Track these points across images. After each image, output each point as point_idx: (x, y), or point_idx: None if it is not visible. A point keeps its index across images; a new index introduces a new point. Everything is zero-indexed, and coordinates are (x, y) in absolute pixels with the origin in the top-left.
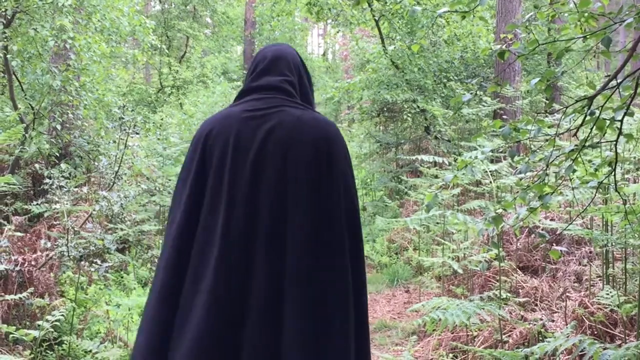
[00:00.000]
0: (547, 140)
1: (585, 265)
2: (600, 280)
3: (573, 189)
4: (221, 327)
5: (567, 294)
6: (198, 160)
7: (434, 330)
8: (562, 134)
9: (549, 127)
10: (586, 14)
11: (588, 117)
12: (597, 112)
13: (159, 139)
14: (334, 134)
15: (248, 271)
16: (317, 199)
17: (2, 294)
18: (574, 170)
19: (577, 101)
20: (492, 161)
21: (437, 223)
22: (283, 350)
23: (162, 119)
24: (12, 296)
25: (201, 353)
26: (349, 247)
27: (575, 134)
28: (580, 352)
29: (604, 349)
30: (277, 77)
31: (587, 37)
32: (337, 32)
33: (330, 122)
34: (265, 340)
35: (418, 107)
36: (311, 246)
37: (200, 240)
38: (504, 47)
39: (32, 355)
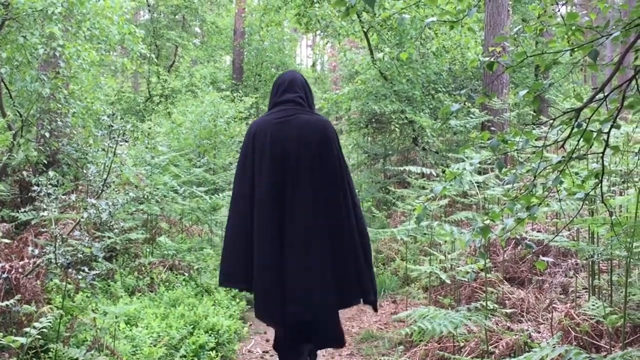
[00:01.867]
0: (534, 152)
1: (571, 277)
2: (586, 291)
3: (560, 200)
4: (277, 239)
5: (553, 305)
6: (251, 150)
7: (420, 340)
8: (550, 145)
9: (536, 139)
10: (573, 27)
11: (575, 129)
12: (585, 124)
13: (147, 147)
14: (328, 126)
15: (285, 204)
16: (323, 161)
17: None
18: (561, 182)
19: (564, 113)
20: (479, 173)
21: (425, 234)
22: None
23: (150, 128)
24: None
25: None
26: (347, 187)
27: (562, 146)
28: None
29: (590, 359)
30: (293, 94)
31: (575, 50)
32: (326, 43)
33: (326, 120)
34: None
35: (406, 118)
36: (322, 186)
37: (256, 192)
38: (492, 59)
39: None
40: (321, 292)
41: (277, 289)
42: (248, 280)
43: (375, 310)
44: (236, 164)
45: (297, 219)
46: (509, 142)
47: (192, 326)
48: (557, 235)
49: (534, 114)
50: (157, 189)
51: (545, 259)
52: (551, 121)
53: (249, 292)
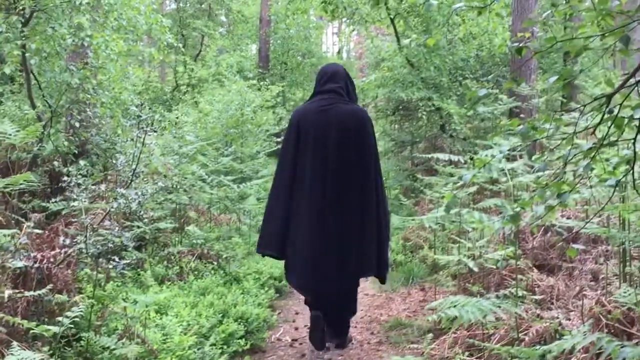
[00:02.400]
0: (563, 139)
1: (602, 264)
2: (616, 279)
3: (591, 187)
4: (315, 215)
5: (584, 292)
6: (295, 134)
7: (449, 328)
8: (580, 132)
9: (565, 126)
10: (603, 12)
11: (606, 115)
12: (616, 110)
13: (175, 137)
14: (365, 117)
15: (324, 184)
16: (357, 148)
17: (22, 290)
18: (592, 169)
19: (595, 99)
20: (508, 160)
21: (453, 221)
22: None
23: (177, 118)
24: (32, 293)
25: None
26: (377, 173)
27: (593, 132)
28: (598, 350)
29: (622, 346)
30: (334, 84)
31: (606, 35)
32: (352, 30)
33: (363, 110)
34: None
35: (433, 105)
36: (356, 171)
37: (298, 172)
38: (521, 44)
39: (51, 352)
40: (345, 271)
41: (311, 260)
42: (280, 250)
43: (383, 282)
44: (280, 147)
45: (335, 199)
46: (539, 129)
47: (221, 315)
48: (588, 222)
49: (564, 100)
50: (185, 178)
51: (576, 246)
52: (582, 107)
53: (279, 259)
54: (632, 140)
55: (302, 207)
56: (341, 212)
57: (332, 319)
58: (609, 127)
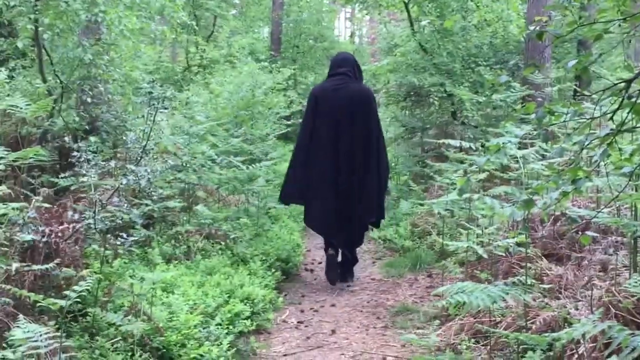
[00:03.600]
0: (576, 128)
1: (612, 255)
2: (626, 270)
3: (607, 174)
4: (329, 168)
5: (593, 282)
6: (313, 108)
7: (456, 314)
8: (598, 117)
9: (579, 115)
10: None
11: (625, 101)
12: (635, 96)
13: (185, 116)
14: (370, 93)
15: (337, 146)
16: (365, 118)
17: (29, 263)
18: (609, 155)
19: (615, 84)
20: (519, 147)
21: (462, 208)
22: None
23: (188, 98)
24: (39, 266)
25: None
26: (379, 137)
27: (611, 118)
28: (607, 339)
29: (634, 335)
30: (345, 68)
31: (627, 19)
32: (366, 14)
33: (369, 88)
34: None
35: (445, 91)
36: (364, 137)
37: (315, 137)
38: (539, 28)
39: (57, 326)
40: (356, 210)
41: (329, 205)
42: (303, 197)
43: (378, 226)
44: (301, 119)
45: (347, 158)
46: (556, 114)
47: (227, 295)
48: (600, 211)
49: (578, 88)
50: (195, 157)
51: (590, 233)
52: (600, 92)
53: (302, 204)
54: None
55: (319, 163)
56: (350, 165)
57: (344, 253)
58: (628, 113)
